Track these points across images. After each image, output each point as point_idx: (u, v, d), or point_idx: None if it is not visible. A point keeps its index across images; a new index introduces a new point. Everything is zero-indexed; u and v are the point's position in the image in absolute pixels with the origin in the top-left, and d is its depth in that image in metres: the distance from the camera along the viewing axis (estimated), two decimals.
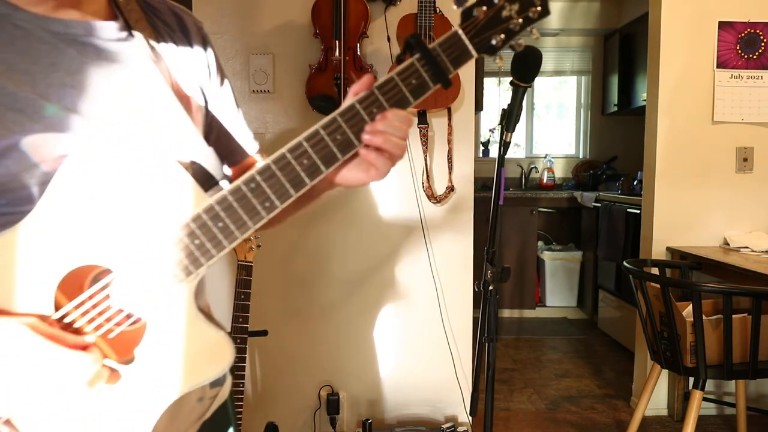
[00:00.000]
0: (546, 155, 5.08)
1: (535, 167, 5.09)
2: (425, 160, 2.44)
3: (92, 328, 0.71)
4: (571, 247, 4.73)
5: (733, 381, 2.60)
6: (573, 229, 4.78)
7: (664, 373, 2.81)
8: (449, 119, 2.43)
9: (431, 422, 2.52)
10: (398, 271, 2.53)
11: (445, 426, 2.35)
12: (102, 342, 0.71)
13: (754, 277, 2.18)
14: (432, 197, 2.45)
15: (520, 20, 0.73)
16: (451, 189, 2.45)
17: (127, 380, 0.70)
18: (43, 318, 0.68)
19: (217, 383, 0.86)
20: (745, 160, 2.80)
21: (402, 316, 2.55)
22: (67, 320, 0.70)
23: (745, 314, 2.11)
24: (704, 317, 2.08)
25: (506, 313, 4.63)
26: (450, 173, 2.45)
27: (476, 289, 1.69)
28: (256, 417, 2.46)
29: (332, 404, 2.46)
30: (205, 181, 0.80)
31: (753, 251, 2.60)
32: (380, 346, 2.56)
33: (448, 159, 2.44)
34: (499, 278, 1.65)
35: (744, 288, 2.15)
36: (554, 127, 5.37)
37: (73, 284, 0.70)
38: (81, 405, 0.68)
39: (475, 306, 2.22)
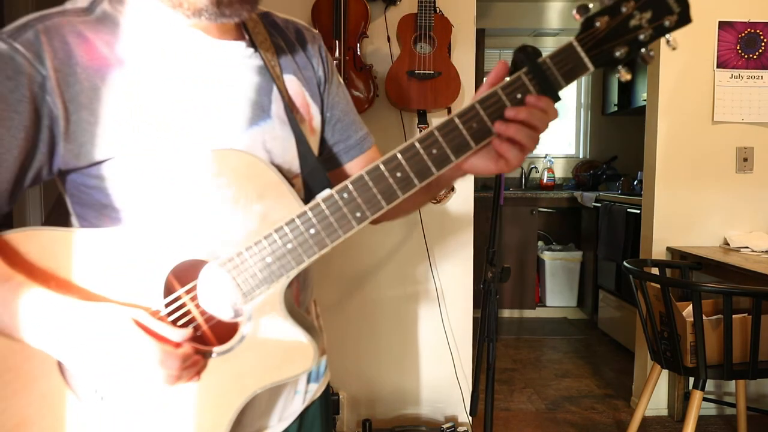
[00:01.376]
0: (546, 155, 5.07)
1: (535, 167, 5.09)
2: None
3: (199, 312, 0.75)
4: (571, 247, 4.73)
5: (733, 381, 2.59)
6: (573, 229, 4.78)
7: (664, 373, 2.81)
8: None
9: (431, 422, 2.52)
10: (398, 271, 2.53)
11: (445, 426, 2.35)
12: (204, 330, 0.76)
13: (754, 277, 2.18)
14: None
15: (651, 30, 0.67)
16: (451, 189, 2.45)
17: (208, 372, 0.75)
18: (153, 312, 0.72)
19: (314, 379, 0.92)
20: (745, 160, 2.80)
21: (402, 315, 2.55)
22: (175, 305, 0.74)
23: (745, 314, 2.11)
24: (704, 317, 2.08)
25: (506, 313, 4.62)
26: None
27: (482, 287, 1.69)
28: None
29: (332, 404, 2.46)
30: (309, 190, 0.82)
31: (753, 251, 2.60)
32: (380, 346, 2.56)
33: None
34: (500, 278, 1.65)
35: (744, 288, 2.15)
36: (554, 127, 5.34)
37: (185, 274, 0.74)
38: (164, 393, 0.74)
39: (475, 306, 2.23)
